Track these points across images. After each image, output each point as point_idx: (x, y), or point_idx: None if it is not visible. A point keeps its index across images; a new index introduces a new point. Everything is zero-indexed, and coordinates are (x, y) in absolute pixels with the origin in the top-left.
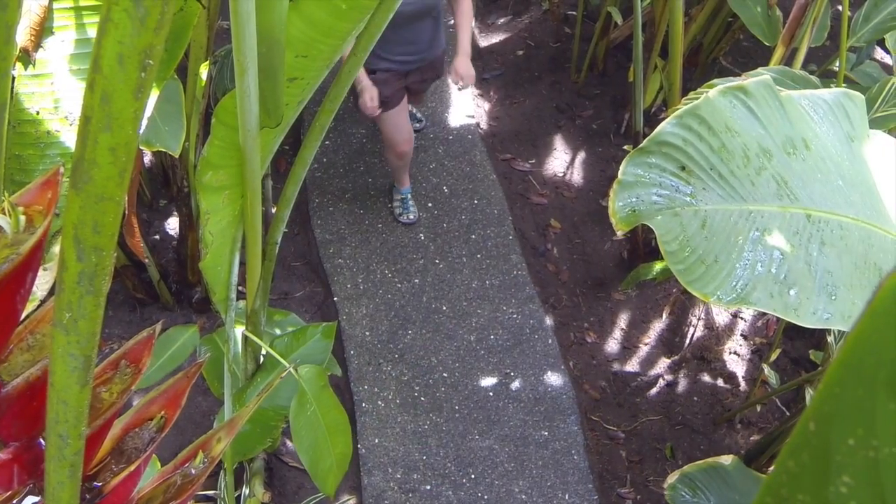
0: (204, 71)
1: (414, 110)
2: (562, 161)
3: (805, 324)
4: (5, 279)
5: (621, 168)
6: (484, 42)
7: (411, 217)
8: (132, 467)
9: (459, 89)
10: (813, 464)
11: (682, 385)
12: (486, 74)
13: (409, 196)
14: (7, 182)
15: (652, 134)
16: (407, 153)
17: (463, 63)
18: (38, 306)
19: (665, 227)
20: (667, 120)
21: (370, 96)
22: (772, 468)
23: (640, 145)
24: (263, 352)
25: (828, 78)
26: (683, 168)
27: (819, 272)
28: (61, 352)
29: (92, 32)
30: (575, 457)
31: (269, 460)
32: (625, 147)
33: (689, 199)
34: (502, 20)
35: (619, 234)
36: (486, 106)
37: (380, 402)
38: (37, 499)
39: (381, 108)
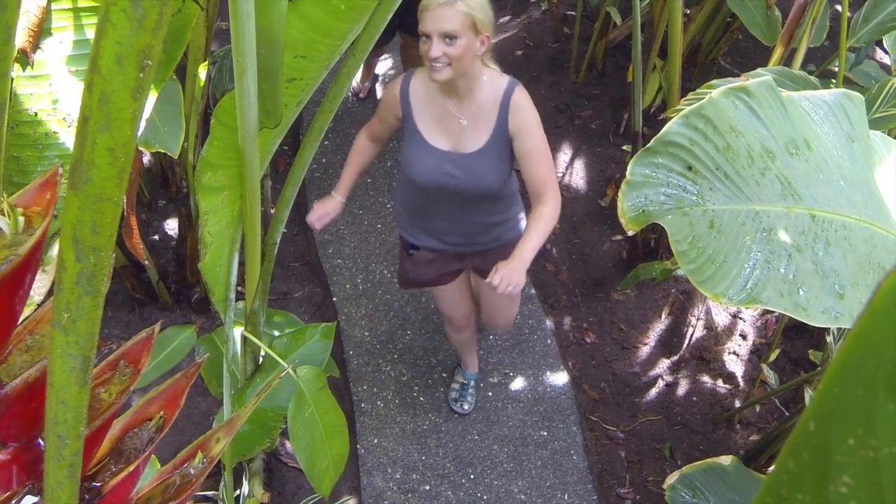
0: (203, 71)
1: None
2: (561, 161)
3: (815, 323)
4: (4, 280)
5: (629, 168)
6: None
7: (466, 407)
8: (131, 467)
9: (495, 288)
10: (813, 463)
11: (682, 385)
12: None
13: (473, 384)
14: (6, 184)
15: (659, 134)
16: (465, 328)
17: (510, 266)
18: (35, 311)
19: (675, 227)
20: (673, 120)
21: (318, 215)
22: (772, 468)
23: (648, 145)
24: (263, 352)
25: (827, 78)
26: (690, 168)
27: (826, 271)
28: (60, 352)
29: (90, 33)
30: (574, 457)
31: (269, 461)
32: (624, 147)
33: (696, 198)
34: (501, 20)
35: (630, 233)
36: None
37: (379, 403)
38: (35, 499)
39: (426, 285)
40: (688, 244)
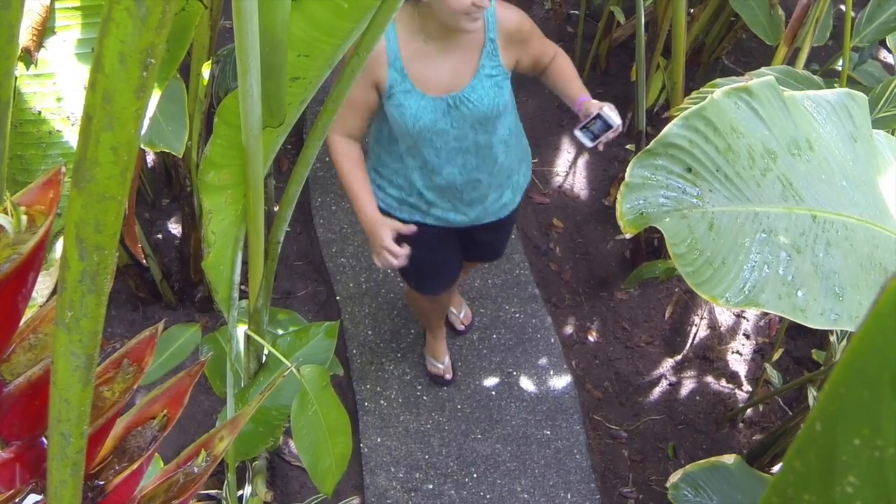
0: (206, 70)
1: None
2: (564, 160)
3: (813, 325)
4: (7, 278)
5: (628, 170)
6: None
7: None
8: (134, 466)
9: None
10: (819, 464)
11: (685, 384)
12: None
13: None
14: (9, 182)
15: (659, 135)
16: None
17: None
18: (38, 309)
19: (673, 230)
20: (673, 121)
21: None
22: (776, 468)
23: (647, 147)
24: (266, 351)
25: (830, 77)
26: (690, 170)
27: (826, 273)
28: (63, 351)
29: (93, 32)
30: (577, 456)
31: (272, 459)
32: (627, 146)
33: (695, 200)
34: None
35: (627, 235)
36: None
37: (382, 402)
38: (39, 497)
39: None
40: (686, 247)
